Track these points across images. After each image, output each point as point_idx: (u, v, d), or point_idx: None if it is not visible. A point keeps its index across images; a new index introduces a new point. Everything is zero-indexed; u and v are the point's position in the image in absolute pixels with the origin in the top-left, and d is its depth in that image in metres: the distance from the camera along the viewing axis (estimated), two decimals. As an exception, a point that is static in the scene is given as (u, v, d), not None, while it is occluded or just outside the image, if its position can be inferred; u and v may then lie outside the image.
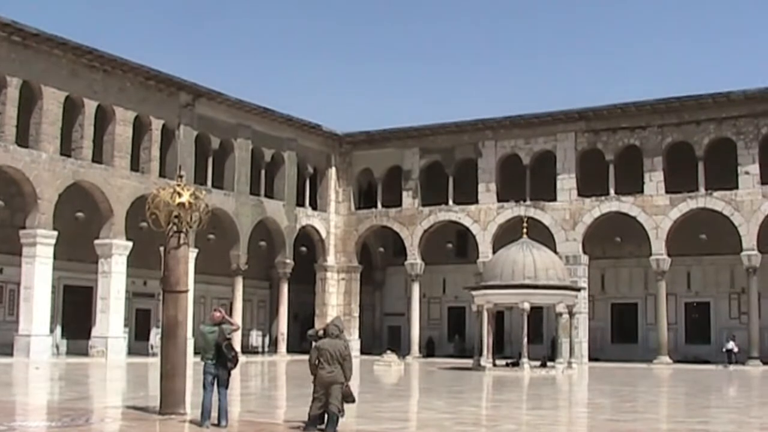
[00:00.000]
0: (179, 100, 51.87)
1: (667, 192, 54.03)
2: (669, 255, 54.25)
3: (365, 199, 64.31)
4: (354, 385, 19.51)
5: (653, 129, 54.77)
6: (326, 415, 16.84)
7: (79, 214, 47.46)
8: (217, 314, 18.29)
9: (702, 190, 53.18)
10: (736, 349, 53.52)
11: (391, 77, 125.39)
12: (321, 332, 17.69)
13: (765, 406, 27.38)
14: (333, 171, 63.45)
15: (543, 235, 53.70)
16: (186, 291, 19.71)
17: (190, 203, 19.42)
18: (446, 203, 59.97)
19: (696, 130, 53.82)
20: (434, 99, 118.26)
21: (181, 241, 19.45)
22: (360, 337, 63.31)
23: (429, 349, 61.43)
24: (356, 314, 63.39)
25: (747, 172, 52.24)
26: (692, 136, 53.82)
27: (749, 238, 52.12)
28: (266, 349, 62.39)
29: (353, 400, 17.70)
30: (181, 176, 20.68)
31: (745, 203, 52.21)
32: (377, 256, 67.73)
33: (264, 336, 63.80)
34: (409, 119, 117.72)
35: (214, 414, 17.51)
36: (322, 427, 16.91)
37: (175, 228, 19.32)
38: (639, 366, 51.07)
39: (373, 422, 20.11)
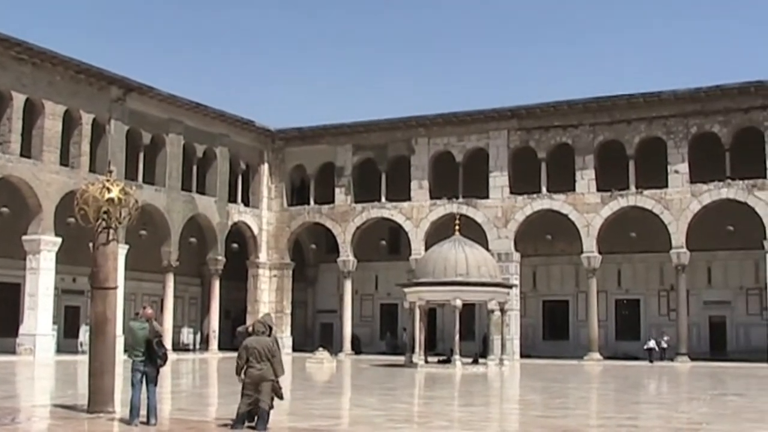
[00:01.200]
0: (110, 94, 51.20)
1: (598, 190, 54.51)
2: (600, 252, 54.75)
3: (298, 195, 64.05)
4: (286, 382, 19.45)
5: (585, 128, 55.21)
6: (256, 413, 16.76)
7: (4, 209, 46.67)
8: (149, 311, 18.12)
9: (632, 188, 53.73)
10: (664, 346, 54.12)
11: (324, 73, 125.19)
12: (250, 329, 17.60)
13: (692, 401, 27.68)
14: (265, 167, 63.10)
15: (475, 233, 53.91)
16: (115, 288, 19.49)
17: (119, 199, 19.21)
18: (379, 200, 59.95)
19: (627, 129, 54.35)
20: (368, 96, 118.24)
21: (110, 237, 19.23)
22: (292, 334, 63.09)
23: (354, 347, 61.03)
24: (288, 311, 63.12)
25: (676, 171, 52.88)
26: (623, 135, 54.34)
27: (678, 236, 52.75)
28: (197, 346, 61.85)
29: (281, 397, 17.64)
30: (110, 171, 20.45)
31: (675, 202, 52.85)
32: (309, 253, 67.54)
33: (195, 333, 63.23)
34: (342, 116, 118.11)
35: (144, 412, 17.34)
36: (251, 424, 16.82)
37: (104, 224, 19.10)
38: (570, 362, 51.42)
39: (304, 419, 20.03)
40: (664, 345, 54.22)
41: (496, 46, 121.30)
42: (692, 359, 51.95)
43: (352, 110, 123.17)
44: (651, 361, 51.81)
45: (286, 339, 60.08)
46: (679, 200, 52.81)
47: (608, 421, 21.39)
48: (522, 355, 55.42)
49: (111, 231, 19.16)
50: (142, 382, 17.55)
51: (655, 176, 53.01)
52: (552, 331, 61.59)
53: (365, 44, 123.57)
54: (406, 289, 48.07)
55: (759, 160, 51.10)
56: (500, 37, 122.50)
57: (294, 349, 60.58)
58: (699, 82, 54.93)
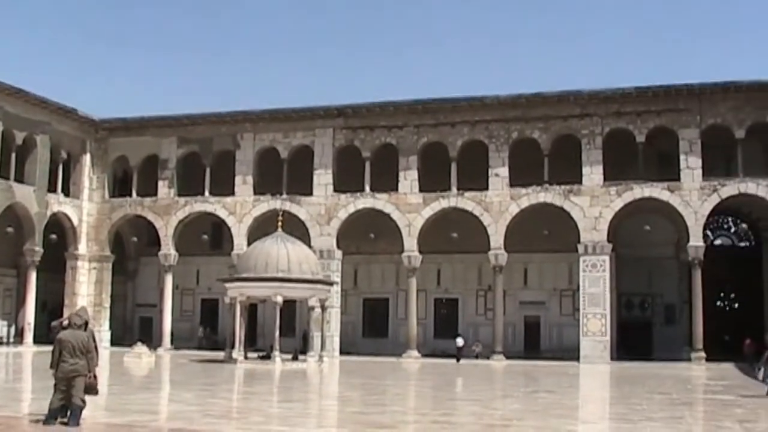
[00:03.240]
0: None
1: (420, 191, 55.31)
2: (420, 252, 55.57)
3: (120, 187, 62.86)
4: (102, 377, 19.14)
5: (410, 129, 55.94)
6: (68, 408, 16.48)
7: None
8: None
9: (454, 190, 54.71)
10: (477, 348, 55.20)
11: (150, 64, 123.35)
12: (66, 323, 17.28)
13: (506, 398, 28.41)
14: (88, 157, 61.69)
15: (298, 230, 54.08)
16: None
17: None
18: (203, 194, 59.41)
19: (451, 132, 55.31)
20: (194, 88, 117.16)
21: None
22: (111, 328, 61.88)
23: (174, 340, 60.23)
24: (107, 305, 61.88)
25: (497, 175, 54.11)
26: (447, 138, 55.27)
27: (497, 237, 53.99)
28: (11, 339, 60.06)
29: (96, 392, 17.39)
30: None
31: (494, 204, 54.07)
32: (130, 246, 66.44)
33: (10, 326, 61.38)
34: (167, 108, 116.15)
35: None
36: (64, 420, 16.52)
37: None
38: (389, 360, 52.01)
39: (119, 415, 19.78)
40: (474, 348, 55.27)
41: (326, 44, 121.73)
42: (507, 357, 53.25)
43: (178, 102, 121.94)
44: (458, 359, 52.69)
45: (104, 333, 59.02)
46: (499, 203, 54.05)
47: (423, 417, 21.79)
48: (342, 352, 55.79)
49: None
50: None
51: (476, 179, 54.12)
52: (372, 328, 62.14)
53: (192, 37, 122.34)
54: (227, 284, 47.84)
55: (575, 167, 52.80)
56: (328, 36, 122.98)
57: (112, 344, 59.54)
58: (522, 88, 56.28)
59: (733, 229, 61.73)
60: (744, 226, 60.86)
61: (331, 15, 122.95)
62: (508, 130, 54.46)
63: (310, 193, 57.13)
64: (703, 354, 50.14)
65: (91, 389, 16.95)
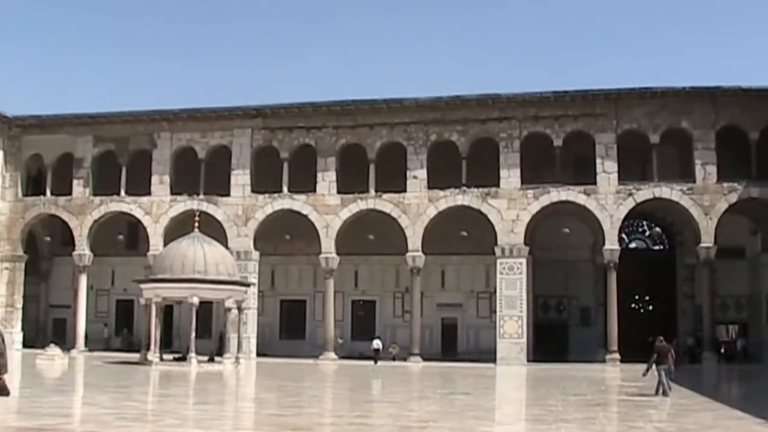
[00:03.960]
0: None
1: (338, 192, 55.21)
2: (338, 254, 55.49)
3: (34, 185, 61.76)
4: (14, 380, 18.75)
5: (328, 130, 55.82)
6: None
7: None
8: None
9: (372, 191, 54.71)
10: (394, 351, 55.28)
11: (65, 62, 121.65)
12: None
13: (422, 400, 28.47)
14: (0, 155, 60.51)
15: (215, 230, 53.63)
16: None
17: None
18: (118, 194, 58.58)
19: (369, 134, 55.33)
20: (110, 87, 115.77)
21: None
22: (23, 329, 60.72)
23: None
24: (19, 306, 60.66)
25: (415, 177, 54.23)
26: (365, 139, 55.28)
27: (415, 239, 54.11)
28: None
29: (8, 394, 17.00)
30: None
31: (412, 206, 54.18)
32: (44, 246, 65.37)
33: None
34: (83, 106, 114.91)
35: None
36: (-26, 423, 16.16)
37: None
38: (306, 362, 51.87)
39: (31, 418, 19.43)
40: (392, 350, 55.33)
41: (245, 44, 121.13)
42: (424, 359, 53.38)
43: (94, 100, 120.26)
44: (376, 361, 52.74)
45: (16, 335, 57.89)
46: (417, 205, 54.19)
47: (339, 420, 21.75)
48: (259, 354, 55.46)
49: None
50: None
51: (394, 181, 54.19)
52: (289, 330, 61.88)
53: (109, 35, 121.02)
54: (142, 286, 47.37)
55: (493, 170, 53.14)
56: (247, 35, 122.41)
57: (25, 345, 58.44)
58: (441, 92, 56.40)
59: (647, 233, 62.51)
60: (658, 230, 61.66)
61: (251, 14, 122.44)
62: (426, 133, 54.61)
63: (228, 194, 56.68)
64: (617, 356, 50.77)
65: (2, 391, 16.57)
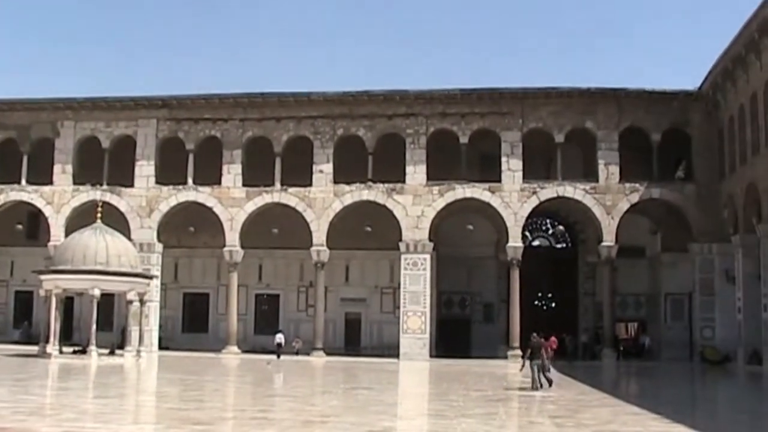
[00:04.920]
0: None
1: (244, 185, 54.88)
2: (242, 247, 55.19)
3: (-70, 173, 60.32)
4: None
5: (235, 122, 55.45)
6: None
7: None
8: None
9: (278, 185, 54.49)
10: (297, 345, 55.12)
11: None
12: None
13: (325, 394, 28.48)
14: None
15: (118, 222, 52.94)
16: None
17: None
18: (19, 183, 57.41)
19: (276, 127, 55.09)
20: (12, 73, 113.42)
21: None
22: None
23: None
24: None
25: (321, 171, 54.17)
26: (272, 132, 55.03)
27: (320, 234, 54.04)
28: None
29: None
30: None
31: (318, 200, 54.12)
32: (-60, 235, 63.90)
33: None
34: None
35: None
36: None
37: None
38: (208, 355, 51.52)
39: None
40: (294, 344, 55.17)
41: (153, 32, 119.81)
42: (327, 354, 53.37)
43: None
44: (278, 356, 52.56)
45: None
46: (323, 199, 54.14)
47: (241, 414, 21.66)
48: (161, 347, 54.95)
49: None
50: None
51: (300, 175, 54.04)
52: (192, 323, 61.31)
53: (15, 18, 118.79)
54: (42, 277, 46.58)
55: (399, 165, 53.33)
56: (155, 25, 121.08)
57: None
58: (349, 86, 56.56)
59: (551, 231, 63.22)
60: (561, 228, 62.44)
61: (160, 3, 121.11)
62: (333, 127, 54.58)
63: (132, 185, 55.95)
64: (519, 352, 51.19)
65: None
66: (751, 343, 46.51)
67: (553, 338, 51.70)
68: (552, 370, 31.28)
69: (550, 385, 29.87)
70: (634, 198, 52.38)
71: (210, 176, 55.01)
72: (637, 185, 52.32)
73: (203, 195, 55.16)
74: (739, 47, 46.16)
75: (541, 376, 29.94)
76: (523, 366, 30.86)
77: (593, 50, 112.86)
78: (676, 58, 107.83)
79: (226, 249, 55.05)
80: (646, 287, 59.57)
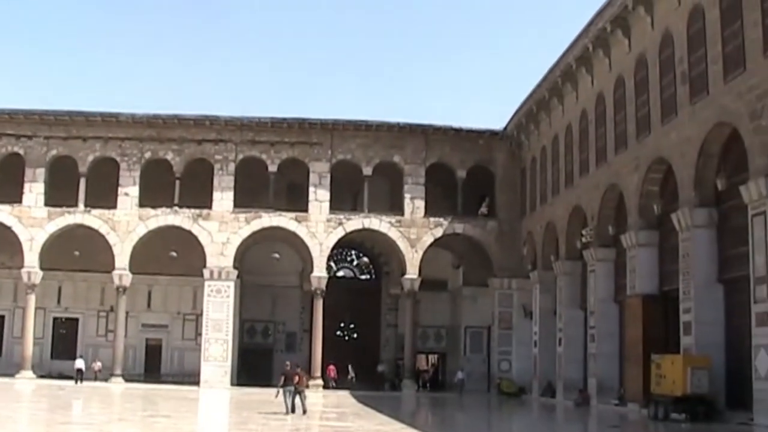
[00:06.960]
0: None
1: (46, 205, 53.47)
2: (42, 268, 53.69)
3: None
4: None
5: (39, 140, 53.97)
6: None
7: None
8: None
9: (81, 206, 53.33)
10: (95, 368, 54.04)
11: None
12: None
13: (122, 422, 27.98)
14: None
15: None
16: None
17: None
18: None
19: (82, 146, 53.94)
20: None
21: None
22: None
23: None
24: None
25: (127, 194, 53.34)
26: (78, 152, 53.84)
27: (123, 257, 53.14)
28: None
29: None
30: None
31: (122, 223, 53.24)
32: None
33: None
34: None
35: None
36: None
37: None
38: (1, 380, 49.83)
39: None
40: (95, 367, 54.09)
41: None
42: (127, 380, 52.43)
43: None
44: (77, 382, 51.36)
45: None
46: (127, 222, 53.30)
47: (35, 442, 21.08)
48: (-50, 371, 52.93)
49: None
50: None
51: (105, 196, 53.06)
52: (-15, 346, 59.24)
53: None
54: None
55: (207, 191, 53.06)
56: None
57: None
58: (161, 109, 55.86)
59: (355, 262, 63.89)
60: (366, 259, 63.21)
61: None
62: (141, 150, 53.88)
63: (-75, 202, 53.80)
64: (320, 381, 51.55)
65: None
66: (546, 376, 48.20)
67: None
68: (354, 399, 31.67)
69: (304, 413, 30.83)
70: (438, 232, 53.62)
71: (11, 194, 53.34)
72: (441, 220, 53.58)
73: (2, 213, 53.44)
74: (543, 91, 47.97)
75: (295, 401, 31.41)
76: (277, 394, 31.87)
77: (406, 86, 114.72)
78: (485, 98, 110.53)
79: (24, 270, 53.39)
80: (447, 320, 60.81)
